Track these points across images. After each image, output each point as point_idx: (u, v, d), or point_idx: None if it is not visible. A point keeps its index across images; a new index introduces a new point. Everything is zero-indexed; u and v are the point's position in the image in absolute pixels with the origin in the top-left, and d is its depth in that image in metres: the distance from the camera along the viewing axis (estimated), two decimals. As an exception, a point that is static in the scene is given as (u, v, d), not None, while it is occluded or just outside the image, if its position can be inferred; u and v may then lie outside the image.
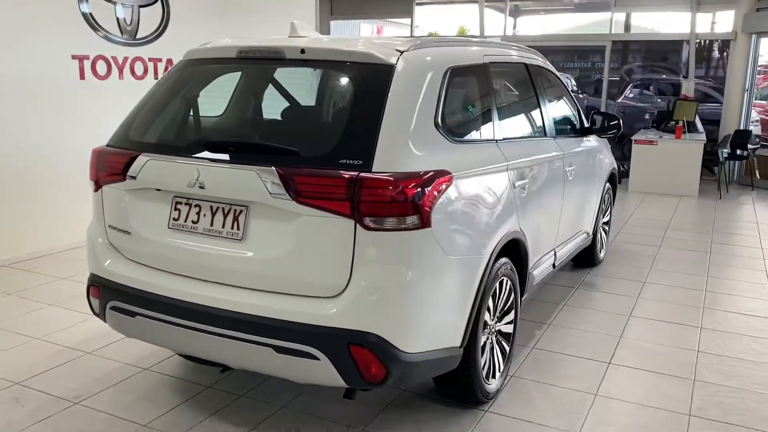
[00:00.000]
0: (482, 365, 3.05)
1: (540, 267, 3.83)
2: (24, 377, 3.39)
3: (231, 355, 2.71)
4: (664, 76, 13.32)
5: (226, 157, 2.62)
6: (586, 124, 4.85)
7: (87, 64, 5.78)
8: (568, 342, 3.98)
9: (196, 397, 3.21)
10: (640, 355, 3.83)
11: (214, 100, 2.98)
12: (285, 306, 2.51)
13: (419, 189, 2.45)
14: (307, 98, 3.13)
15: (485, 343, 3.09)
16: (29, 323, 4.11)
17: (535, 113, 3.95)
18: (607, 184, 5.51)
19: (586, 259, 5.47)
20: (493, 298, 3.08)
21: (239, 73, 3.17)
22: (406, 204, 2.42)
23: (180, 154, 2.72)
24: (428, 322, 2.59)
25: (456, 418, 3.08)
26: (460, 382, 3.01)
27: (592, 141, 4.93)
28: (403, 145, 2.53)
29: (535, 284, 3.77)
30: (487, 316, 3.06)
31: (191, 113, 2.95)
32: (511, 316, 3.37)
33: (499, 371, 3.28)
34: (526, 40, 14.34)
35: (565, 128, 4.55)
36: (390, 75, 2.62)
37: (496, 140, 3.20)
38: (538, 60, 4.25)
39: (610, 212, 5.85)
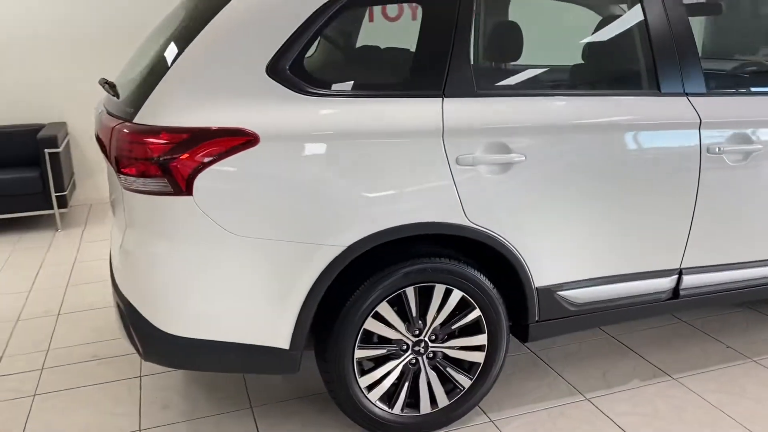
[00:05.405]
0: (365, 385, 2.36)
1: (601, 287, 2.58)
2: (95, 281, 4.01)
3: None
4: None
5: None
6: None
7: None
8: (669, 417, 2.63)
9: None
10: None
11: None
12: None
13: (173, 148, 2.00)
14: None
15: (381, 360, 2.37)
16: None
17: (619, 53, 2.56)
18: None
19: None
20: (393, 307, 2.30)
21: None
22: (148, 163, 1.99)
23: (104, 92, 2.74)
24: (196, 307, 2.12)
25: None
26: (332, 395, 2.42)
27: None
28: (183, 94, 2.03)
29: (577, 309, 2.57)
30: (382, 329, 2.32)
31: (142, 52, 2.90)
32: (476, 341, 2.46)
33: (433, 404, 2.46)
34: None
35: (732, 77, 2.80)
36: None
37: (444, 95, 2.24)
38: None
39: None
